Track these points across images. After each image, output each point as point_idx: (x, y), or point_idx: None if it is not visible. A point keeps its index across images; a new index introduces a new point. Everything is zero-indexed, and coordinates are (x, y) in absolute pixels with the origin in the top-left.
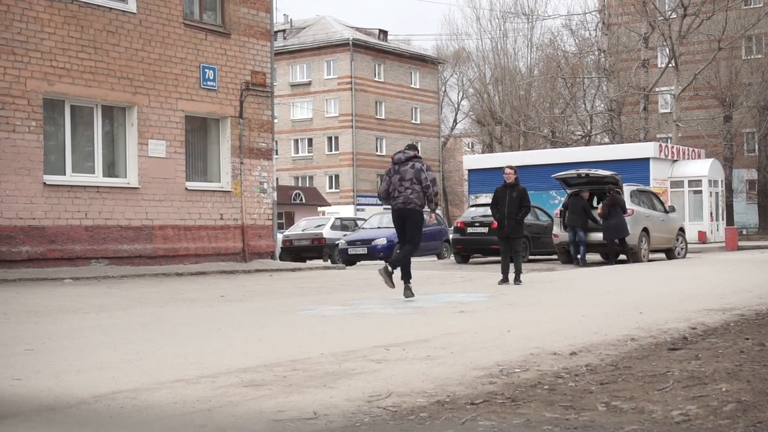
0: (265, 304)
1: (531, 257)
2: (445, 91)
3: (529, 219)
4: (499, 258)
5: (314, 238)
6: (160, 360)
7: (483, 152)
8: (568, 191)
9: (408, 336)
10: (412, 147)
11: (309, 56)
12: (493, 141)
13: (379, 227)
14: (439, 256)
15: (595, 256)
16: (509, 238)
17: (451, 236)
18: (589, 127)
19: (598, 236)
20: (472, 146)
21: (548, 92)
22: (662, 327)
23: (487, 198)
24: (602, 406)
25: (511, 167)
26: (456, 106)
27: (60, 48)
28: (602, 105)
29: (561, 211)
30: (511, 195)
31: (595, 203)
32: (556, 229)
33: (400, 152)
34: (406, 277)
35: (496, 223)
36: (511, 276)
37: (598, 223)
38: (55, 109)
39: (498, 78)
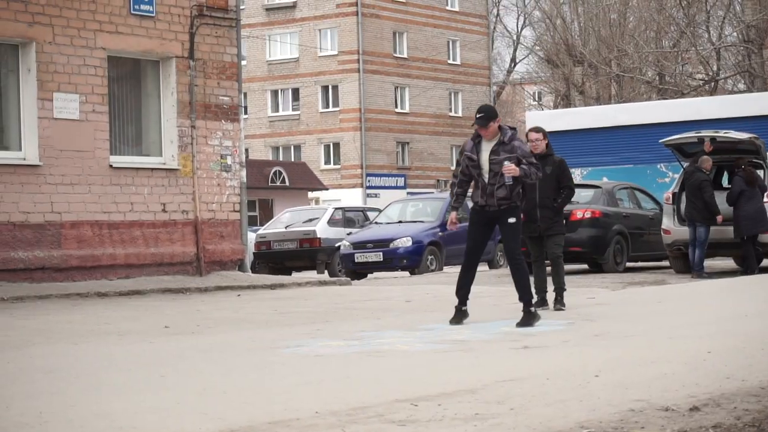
0: (230, 337)
1: (630, 264)
2: (498, 15)
3: (627, 207)
4: (584, 265)
5: (304, 238)
6: (73, 424)
7: (556, 106)
8: (684, 164)
9: (446, 384)
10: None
11: None
12: (570, 90)
13: (400, 221)
14: (491, 264)
15: (724, 263)
16: (543, 236)
17: None
18: (715, 68)
19: (723, 231)
20: (540, 98)
21: (653, 16)
22: None
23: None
24: None
25: (538, 130)
26: (515, 37)
27: None
28: (735, 34)
29: (674, 193)
30: (542, 171)
31: (725, 182)
32: (668, 222)
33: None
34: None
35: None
36: (551, 297)
37: (715, 210)
38: None
39: None
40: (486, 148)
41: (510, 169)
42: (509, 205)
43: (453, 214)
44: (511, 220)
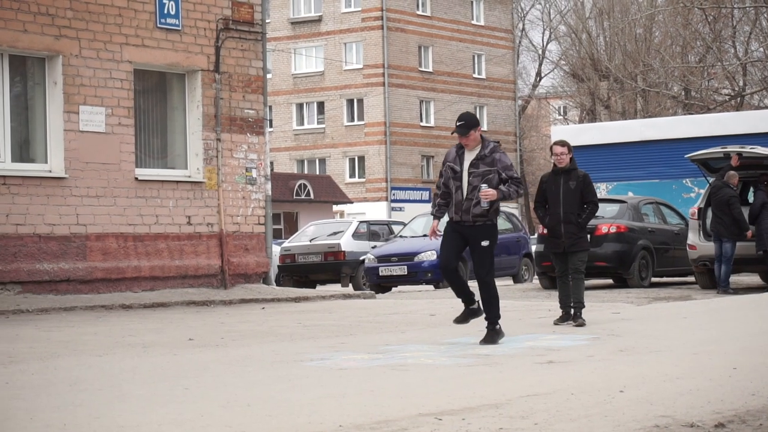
0: (254, 350)
1: (655, 279)
2: (523, 30)
3: (652, 222)
4: (608, 280)
5: (328, 251)
6: None
7: (581, 121)
8: (710, 179)
9: (470, 398)
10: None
11: None
12: (596, 104)
13: (424, 235)
14: (516, 278)
15: (750, 279)
16: (567, 252)
17: (533, 248)
18: (741, 83)
19: (749, 247)
20: (565, 112)
21: (679, 31)
22: None
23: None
24: None
25: (563, 144)
26: (540, 52)
27: None
28: (761, 49)
29: (700, 209)
30: (566, 186)
31: (750, 198)
32: (693, 237)
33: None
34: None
35: (544, 229)
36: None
37: (745, 226)
38: None
39: (603, 9)
40: (468, 158)
41: (487, 194)
42: (485, 222)
43: (435, 222)
44: (485, 243)
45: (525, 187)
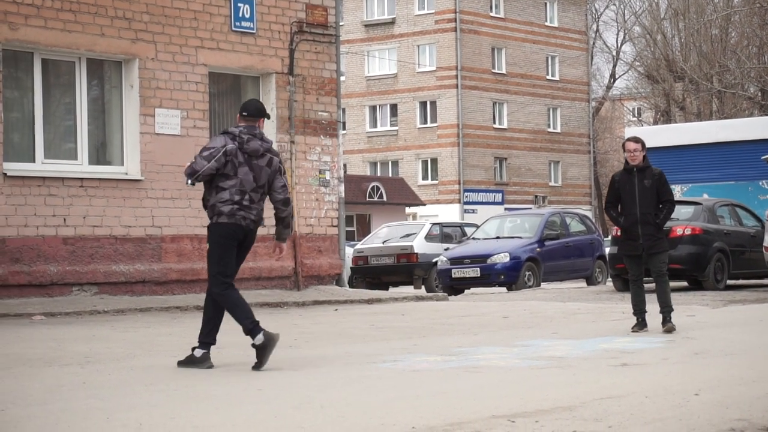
0: (327, 352)
1: (730, 282)
2: (597, 31)
3: (728, 224)
4: (683, 283)
5: (401, 253)
6: None
7: (656, 122)
8: None
9: (543, 401)
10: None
11: None
12: (671, 105)
13: (497, 237)
14: (590, 281)
15: None
16: (645, 255)
17: (607, 250)
18: None
19: None
20: (639, 113)
21: (756, 31)
22: None
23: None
24: None
25: (636, 140)
26: (614, 53)
27: None
28: None
29: None
30: (641, 184)
31: None
32: None
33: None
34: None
35: (618, 231)
36: (649, 319)
37: None
38: (20, 64)
39: (678, 10)
40: None
41: None
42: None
43: None
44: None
45: (598, 187)
